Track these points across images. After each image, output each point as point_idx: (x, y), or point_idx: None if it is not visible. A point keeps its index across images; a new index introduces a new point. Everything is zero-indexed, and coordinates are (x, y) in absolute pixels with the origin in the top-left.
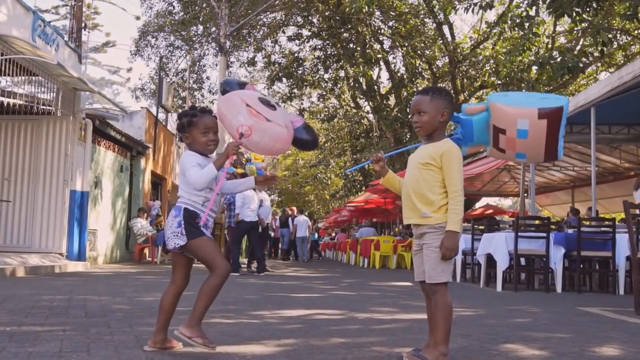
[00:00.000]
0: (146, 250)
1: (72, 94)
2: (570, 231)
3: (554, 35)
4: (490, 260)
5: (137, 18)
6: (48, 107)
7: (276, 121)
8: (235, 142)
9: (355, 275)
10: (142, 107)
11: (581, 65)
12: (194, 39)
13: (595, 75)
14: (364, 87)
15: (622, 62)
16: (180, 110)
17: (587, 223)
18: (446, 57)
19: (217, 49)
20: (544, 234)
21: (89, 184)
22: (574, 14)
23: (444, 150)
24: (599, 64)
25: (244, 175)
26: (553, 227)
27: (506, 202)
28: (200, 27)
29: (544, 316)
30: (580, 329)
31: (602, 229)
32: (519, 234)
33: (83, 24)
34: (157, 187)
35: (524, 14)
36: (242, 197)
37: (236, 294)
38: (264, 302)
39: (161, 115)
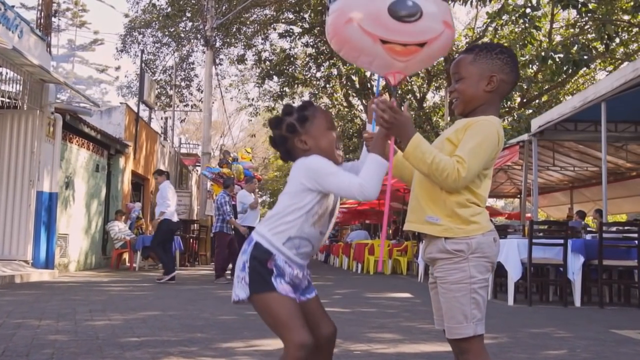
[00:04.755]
0: (125, 256)
1: (39, 86)
2: (588, 237)
3: (552, 29)
4: (498, 269)
5: (126, 16)
6: (13, 101)
7: (431, 34)
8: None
9: (349, 284)
10: (121, 103)
11: (586, 57)
12: (182, 35)
13: (592, 74)
14: (357, 85)
15: (621, 59)
16: (167, 109)
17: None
18: None
19: (204, 44)
20: (561, 241)
21: (59, 185)
22: (580, 5)
23: (474, 121)
24: (598, 61)
25: (230, 176)
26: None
27: (499, 203)
28: (189, 24)
29: (580, 345)
30: None
31: (625, 235)
32: (533, 240)
33: (53, 11)
34: (139, 188)
35: (527, 5)
36: (172, 190)
37: (210, 313)
38: (241, 326)
39: (146, 113)
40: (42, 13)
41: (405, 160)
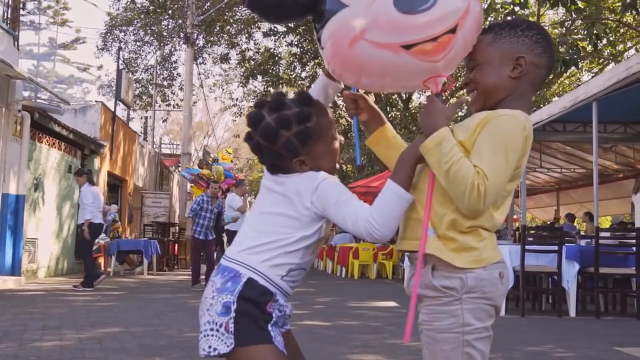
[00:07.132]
0: (100, 260)
1: (5, 82)
2: (582, 243)
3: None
4: None
5: (109, 14)
6: None
7: (459, 12)
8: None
9: (332, 290)
10: (96, 101)
11: (575, 56)
12: (164, 33)
13: (578, 75)
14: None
15: (608, 60)
16: (148, 109)
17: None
18: None
19: (184, 41)
20: (556, 247)
21: (27, 187)
22: (569, 3)
23: (493, 117)
24: (585, 62)
25: (209, 178)
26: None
27: None
28: (171, 22)
29: None
30: None
31: (622, 241)
32: (526, 247)
33: (21, 3)
34: (117, 189)
35: (515, 2)
36: (92, 194)
37: (177, 329)
38: None
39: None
40: (9, 6)
41: (386, 140)
